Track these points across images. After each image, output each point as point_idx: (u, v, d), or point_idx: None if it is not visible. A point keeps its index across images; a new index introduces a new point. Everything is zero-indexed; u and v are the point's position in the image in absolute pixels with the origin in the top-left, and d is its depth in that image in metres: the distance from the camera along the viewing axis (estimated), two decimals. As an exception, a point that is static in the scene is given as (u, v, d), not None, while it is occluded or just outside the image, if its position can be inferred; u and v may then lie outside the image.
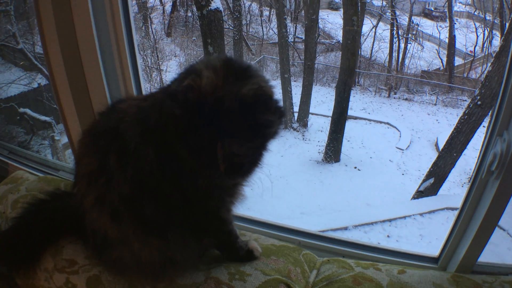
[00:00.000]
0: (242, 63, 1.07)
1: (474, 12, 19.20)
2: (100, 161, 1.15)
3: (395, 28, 17.87)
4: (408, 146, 12.15)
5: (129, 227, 1.17)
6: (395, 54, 18.25)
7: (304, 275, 1.35)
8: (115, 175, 1.13)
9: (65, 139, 8.43)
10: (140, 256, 1.21)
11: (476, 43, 18.39)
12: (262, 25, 19.77)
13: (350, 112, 11.69)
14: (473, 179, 1.40)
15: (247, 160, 1.07)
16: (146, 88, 1.74)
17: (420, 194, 8.50)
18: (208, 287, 1.25)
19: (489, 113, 7.82)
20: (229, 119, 0.96)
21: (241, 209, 1.32)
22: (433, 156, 10.03)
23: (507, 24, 12.70)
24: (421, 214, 7.91)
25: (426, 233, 7.40)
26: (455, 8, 18.80)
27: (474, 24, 18.49)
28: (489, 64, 8.53)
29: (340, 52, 12.85)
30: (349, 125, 11.74)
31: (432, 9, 21.61)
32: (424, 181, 8.56)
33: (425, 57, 18.88)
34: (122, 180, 1.12)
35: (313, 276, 1.37)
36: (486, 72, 7.92)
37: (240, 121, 0.97)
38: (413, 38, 19.02)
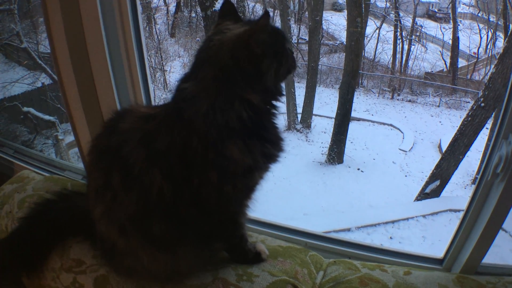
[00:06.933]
0: None
1: (478, 13, 19.12)
2: (105, 178, 1.16)
3: (398, 30, 17.81)
4: (411, 147, 12.11)
5: (137, 242, 1.19)
6: (398, 55, 18.18)
7: (311, 276, 1.36)
8: (120, 195, 1.14)
9: (68, 139, 8.45)
10: (150, 269, 1.23)
11: (480, 44, 18.31)
12: (265, 26, 19.68)
13: (353, 114, 11.67)
14: (479, 182, 1.40)
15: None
16: (151, 88, 1.75)
17: (426, 196, 8.47)
18: (216, 288, 1.26)
19: (492, 115, 7.80)
20: None
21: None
22: (436, 158, 9.99)
23: (511, 26, 12.68)
24: (424, 216, 7.90)
25: (429, 234, 7.39)
26: (459, 10, 18.69)
27: (478, 26, 18.40)
28: (492, 66, 8.50)
29: (344, 54, 12.82)
30: (353, 126, 11.71)
31: (436, 10, 21.53)
32: (428, 183, 8.53)
33: (428, 58, 18.82)
34: (127, 202, 1.14)
35: (319, 277, 1.38)
36: (489, 74, 7.90)
37: None
38: (417, 40, 18.98)
